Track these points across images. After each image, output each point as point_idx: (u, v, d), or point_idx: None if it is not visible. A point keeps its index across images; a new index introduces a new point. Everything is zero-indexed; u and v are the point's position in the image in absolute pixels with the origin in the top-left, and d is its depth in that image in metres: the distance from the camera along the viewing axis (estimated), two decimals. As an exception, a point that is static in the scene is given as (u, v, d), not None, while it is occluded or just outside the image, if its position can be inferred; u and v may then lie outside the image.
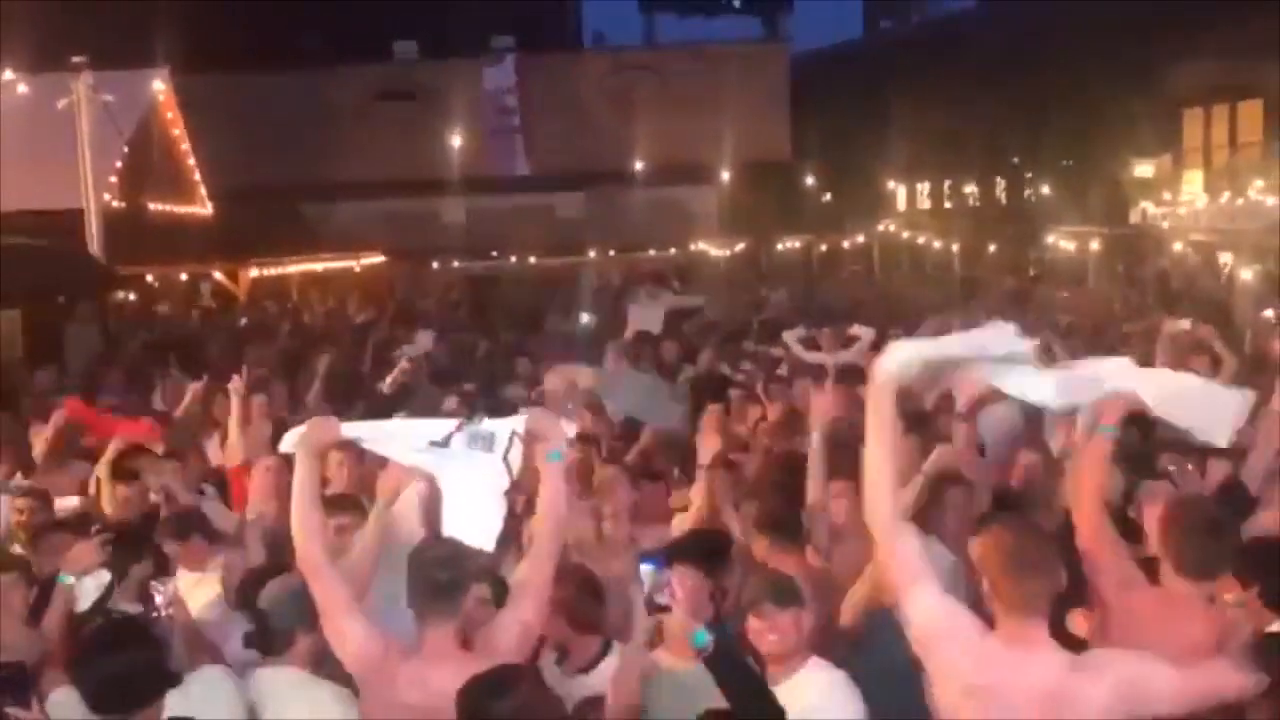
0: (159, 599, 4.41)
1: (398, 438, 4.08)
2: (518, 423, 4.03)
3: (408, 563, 3.79)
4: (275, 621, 4.05)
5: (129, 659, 3.75)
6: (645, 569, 3.81)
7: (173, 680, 3.82)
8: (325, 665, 4.06)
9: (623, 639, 4.22)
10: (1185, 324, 8.40)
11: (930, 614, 3.42)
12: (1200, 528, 3.98)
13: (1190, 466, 5.50)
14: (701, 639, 3.59)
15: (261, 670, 4.10)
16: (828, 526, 5.42)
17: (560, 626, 4.33)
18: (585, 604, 4.40)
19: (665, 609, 3.74)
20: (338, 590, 3.86)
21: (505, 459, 3.94)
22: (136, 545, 4.60)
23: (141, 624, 4.04)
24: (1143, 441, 5.53)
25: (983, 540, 3.47)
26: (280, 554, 5.04)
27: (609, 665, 4.21)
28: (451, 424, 4.01)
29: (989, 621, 3.41)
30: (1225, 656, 3.36)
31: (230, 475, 7.11)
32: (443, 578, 3.69)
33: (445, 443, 3.93)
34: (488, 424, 3.98)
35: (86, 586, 4.36)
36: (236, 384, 7.39)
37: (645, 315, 13.69)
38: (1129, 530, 4.59)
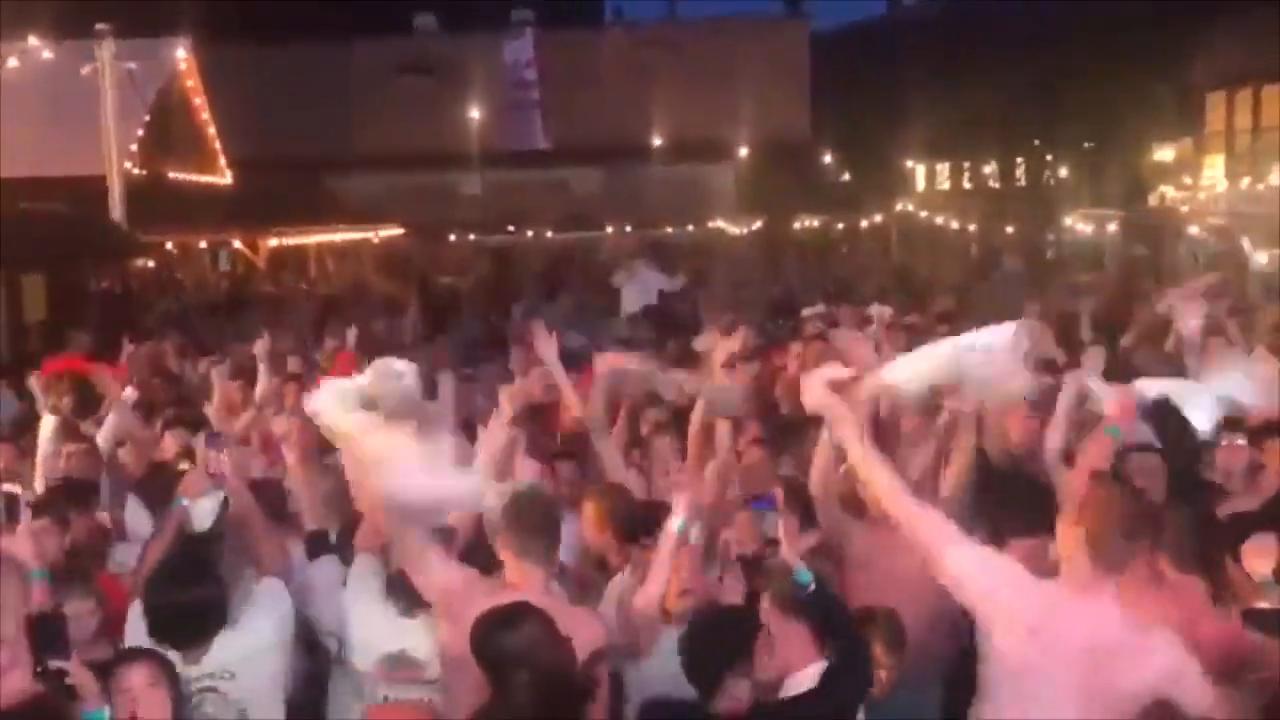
0: (212, 453, 4.59)
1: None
2: None
3: (511, 501, 3.99)
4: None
5: (194, 593, 3.89)
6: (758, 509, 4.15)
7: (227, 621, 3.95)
8: None
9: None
10: (1211, 278, 8.33)
11: (979, 567, 3.46)
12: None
13: (1241, 440, 5.44)
14: (806, 577, 3.74)
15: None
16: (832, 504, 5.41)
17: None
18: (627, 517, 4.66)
19: (775, 542, 4.01)
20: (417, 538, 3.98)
21: None
22: None
23: (210, 559, 4.17)
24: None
25: (1100, 492, 3.52)
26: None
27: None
28: None
29: None
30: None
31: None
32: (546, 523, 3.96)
33: None
34: None
35: (203, 508, 4.52)
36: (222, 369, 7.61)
37: (646, 288, 13.77)
38: None
